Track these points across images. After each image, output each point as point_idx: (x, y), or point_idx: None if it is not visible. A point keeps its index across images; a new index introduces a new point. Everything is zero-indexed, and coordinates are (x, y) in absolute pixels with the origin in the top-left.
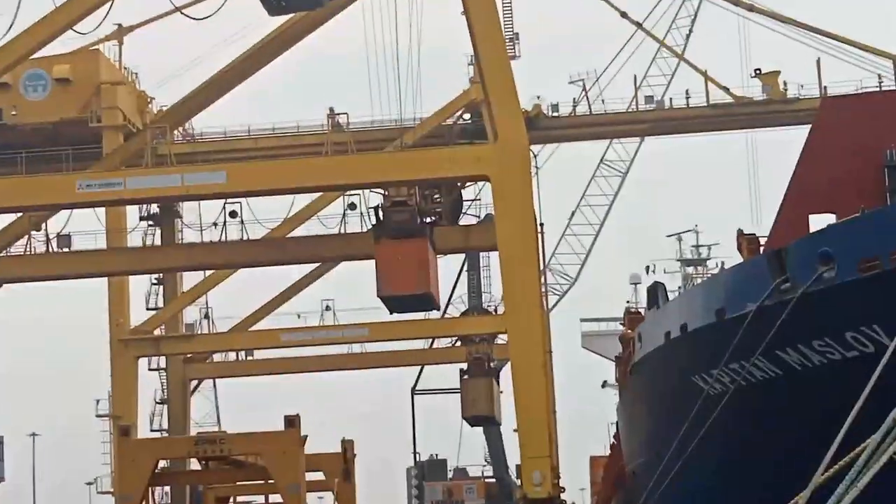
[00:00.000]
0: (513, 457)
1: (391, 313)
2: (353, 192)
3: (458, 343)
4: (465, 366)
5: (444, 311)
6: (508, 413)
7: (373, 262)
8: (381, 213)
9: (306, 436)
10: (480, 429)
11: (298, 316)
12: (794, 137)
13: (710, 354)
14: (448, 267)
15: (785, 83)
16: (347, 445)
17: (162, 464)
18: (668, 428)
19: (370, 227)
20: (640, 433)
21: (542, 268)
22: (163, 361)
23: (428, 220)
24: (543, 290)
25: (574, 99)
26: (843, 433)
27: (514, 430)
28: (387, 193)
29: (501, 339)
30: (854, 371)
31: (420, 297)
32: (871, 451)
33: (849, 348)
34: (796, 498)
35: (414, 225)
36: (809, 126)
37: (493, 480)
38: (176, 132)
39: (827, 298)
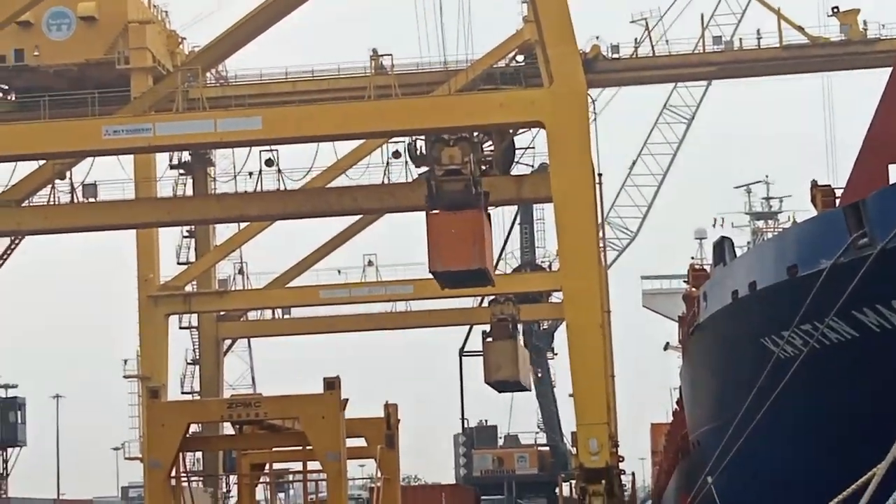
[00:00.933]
0: (568, 424)
1: (443, 289)
2: (397, 139)
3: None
4: (487, 327)
5: (496, 267)
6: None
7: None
8: (433, 183)
9: (347, 399)
10: (534, 394)
11: (339, 272)
12: (874, 81)
13: (781, 315)
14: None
15: (865, 22)
16: (391, 410)
17: (193, 428)
18: (735, 394)
19: (416, 176)
20: (704, 399)
21: (600, 221)
22: (194, 319)
23: (484, 190)
24: (601, 245)
25: (636, 39)
26: None
27: (570, 396)
28: (438, 161)
29: (556, 297)
30: None
31: (475, 273)
32: None
33: None
34: (874, 469)
35: (469, 196)
36: (890, 69)
37: (547, 449)
38: (208, 75)
39: None
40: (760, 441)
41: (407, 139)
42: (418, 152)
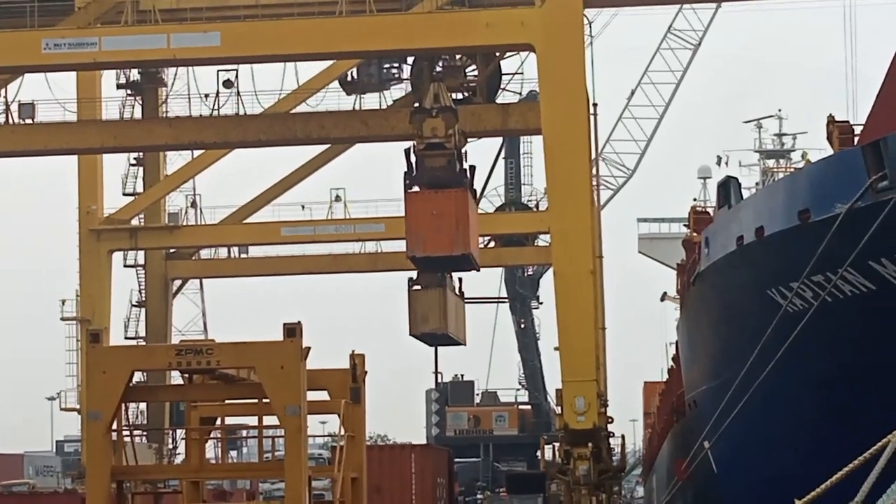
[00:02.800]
0: (552, 380)
1: (419, 274)
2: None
3: (492, 244)
4: (399, 275)
5: (480, 199)
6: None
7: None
8: (413, 158)
9: (309, 348)
10: (516, 346)
11: (303, 207)
12: None
13: (791, 264)
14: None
15: None
16: (357, 360)
17: (138, 377)
18: (737, 351)
19: (391, 102)
20: (703, 356)
21: (593, 157)
22: (141, 257)
23: (468, 165)
24: (595, 183)
25: None
26: None
27: (555, 349)
28: (420, 134)
29: (543, 239)
30: None
31: (458, 259)
32: None
33: None
34: (889, 436)
35: (452, 173)
36: None
37: (529, 407)
38: None
39: None
40: (764, 403)
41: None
42: (349, 78)
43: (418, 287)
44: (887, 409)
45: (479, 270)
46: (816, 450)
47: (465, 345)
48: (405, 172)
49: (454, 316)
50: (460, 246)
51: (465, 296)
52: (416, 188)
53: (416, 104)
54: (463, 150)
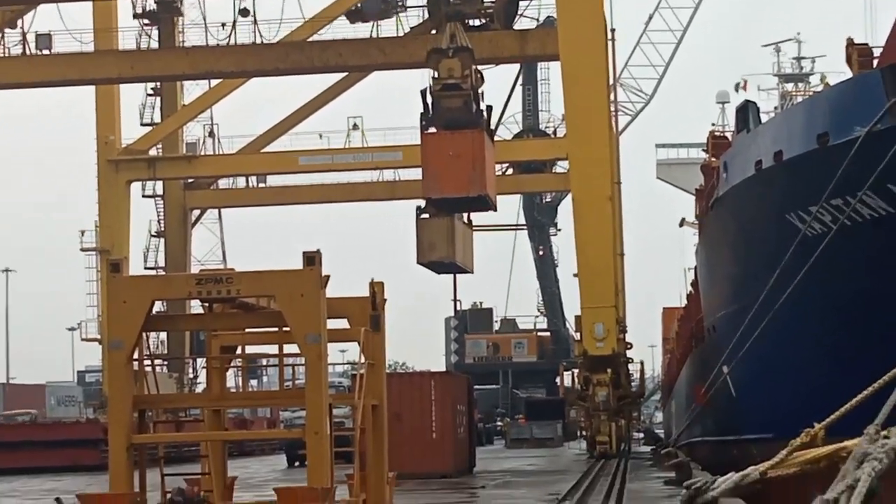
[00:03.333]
0: (571, 307)
1: (439, 216)
2: None
3: (510, 170)
4: (416, 203)
5: (495, 132)
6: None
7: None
8: (428, 99)
9: (328, 276)
10: (534, 274)
11: (320, 136)
12: None
13: (810, 188)
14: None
15: None
16: (377, 289)
17: (158, 306)
18: (756, 275)
19: (409, 29)
20: (722, 281)
21: (611, 82)
22: (159, 187)
23: (484, 105)
24: (612, 108)
25: None
26: None
27: (574, 276)
28: (436, 75)
29: (561, 166)
30: None
31: (474, 200)
32: None
33: None
34: None
35: (468, 113)
36: None
37: (547, 334)
38: None
39: None
40: (782, 327)
41: None
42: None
43: (426, 216)
44: None
45: (495, 210)
46: (835, 374)
47: (472, 272)
48: (421, 113)
49: (462, 244)
50: (476, 187)
51: (483, 224)
52: (432, 129)
53: (432, 48)
54: (480, 91)
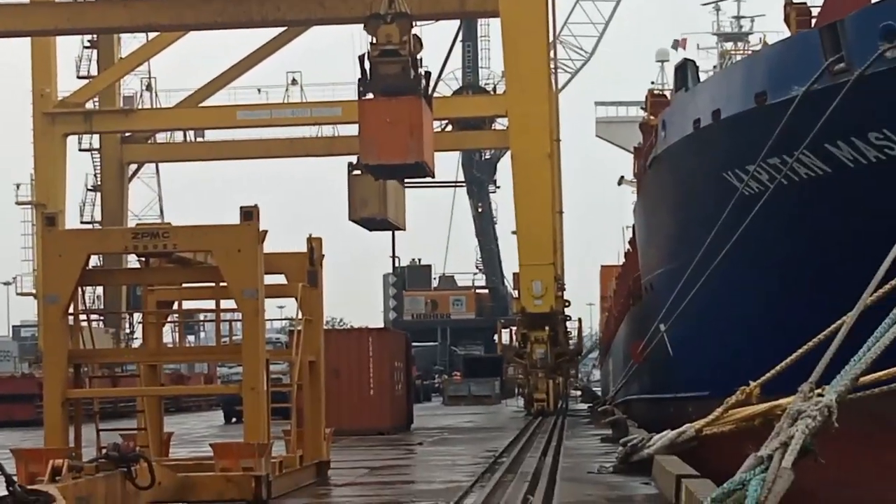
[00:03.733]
0: (510, 264)
1: (376, 180)
2: None
3: (450, 127)
4: (354, 159)
5: (434, 89)
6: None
7: (350, 27)
8: (366, 65)
9: (266, 231)
10: (473, 231)
11: (259, 91)
12: None
13: (747, 146)
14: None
15: None
16: (315, 244)
17: (94, 261)
18: (693, 233)
19: None
20: (660, 239)
21: (551, 40)
22: (96, 140)
23: (423, 71)
24: (553, 66)
25: None
26: None
27: (513, 233)
28: (374, 41)
29: (500, 123)
30: None
31: (412, 167)
32: None
33: None
34: (842, 318)
35: (406, 80)
36: None
37: (486, 291)
38: None
39: (889, 82)
40: (719, 285)
41: None
42: None
43: (357, 172)
44: (840, 292)
45: (433, 177)
46: (770, 333)
47: (404, 229)
48: (359, 79)
49: (394, 201)
50: (414, 154)
51: (422, 182)
52: (369, 95)
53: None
54: (418, 57)
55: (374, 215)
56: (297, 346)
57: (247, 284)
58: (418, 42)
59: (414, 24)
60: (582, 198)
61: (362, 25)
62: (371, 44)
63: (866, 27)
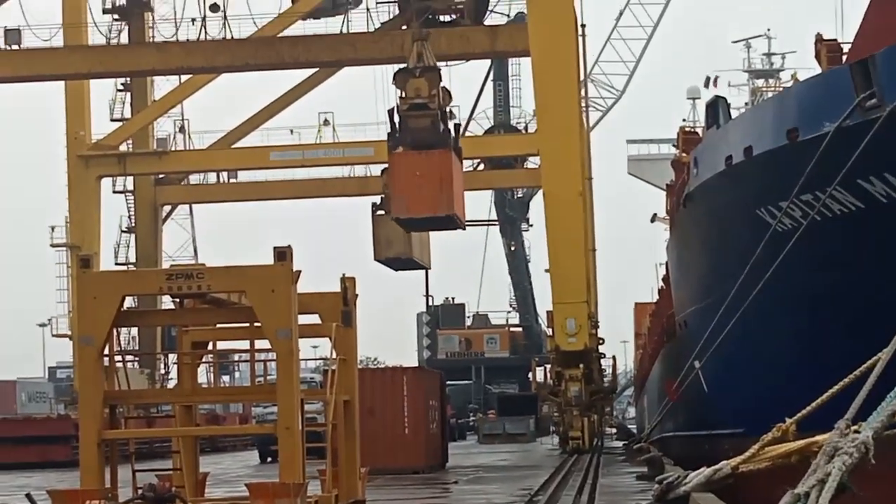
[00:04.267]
0: (543, 302)
1: (407, 232)
2: None
3: (482, 166)
4: (378, 199)
5: (466, 129)
6: (445, 253)
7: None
8: (396, 118)
9: (300, 271)
10: (506, 269)
11: (291, 131)
12: None
13: (780, 183)
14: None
15: None
16: (348, 284)
17: (129, 302)
18: (727, 270)
19: (378, 25)
20: (693, 276)
21: (582, 78)
22: (130, 183)
23: (452, 124)
24: (584, 104)
25: None
26: None
27: (546, 271)
28: (403, 94)
29: (532, 162)
30: None
31: (442, 220)
32: None
33: None
34: (879, 354)
35: (436, 133)
36: None
37: (520, 329)
38: None
39: None
40: (753, 322)
41: None
42: None
43: (382, 212)
44: (875, 328)
45: (464, 229)
46: (805, 369)
47: (429, 268)
48: (389, 133)
49: (418, 240)
50: (444, 207)
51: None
52: (400, 149)
53: (400, 66)
54: (447, 109)
55: (399, 255)
56: (331, 386)
57: (281, 324)
58: (447, 95)
59: (441, 75)
60: (615, 235)
61: (391, 79)
62: (400, 97)
63: None
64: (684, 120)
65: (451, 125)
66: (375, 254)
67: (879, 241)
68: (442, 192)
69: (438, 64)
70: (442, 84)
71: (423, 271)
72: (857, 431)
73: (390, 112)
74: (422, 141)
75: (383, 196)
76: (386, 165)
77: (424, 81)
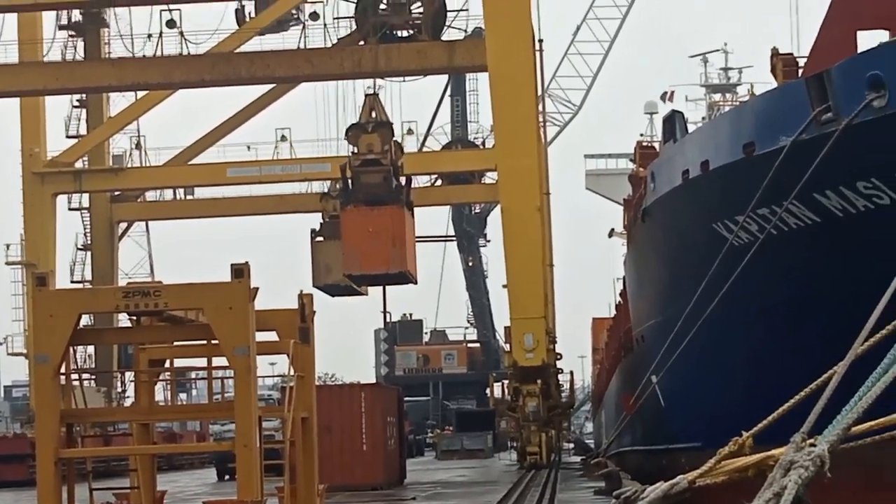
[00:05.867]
0: (501, 318)
1: (322, 225)
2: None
3: (439, 182)
4: (317, 226)
5: (423, 144)
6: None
7: (338, 83)
8: (348, 174)
9: (257, 288)
10: (464, 285)
11: (248, 148)
12: None
13: (736, 197)
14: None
15: None
16: (306, 300)
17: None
18: (683, 285)
19: (336, 40)
20: (650, 291)
21: (540, 93)
22: (85, 200)
23: (403, 179)
24: (541, 119)
25: None
26: (890, 292)
27: (504, 287)
28: (355, 150)
29: (489, 177)
30: None
31: (395, 276)
32: None
33: None
34: (833, 369)
35: (388, 189)
36: None
37: (477, 345)
38: None
39: (876, 131)
40: (710, 336)
41: None
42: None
43: (321, 238)
44: (831, 341)
45: (416, 283)
46: (761, 382)
47: (367, 295)
48: (341, 189)
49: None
50: (396, 264)
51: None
52: (351, 205)
53: (352, 123)
54: (399, 164)
55: (338, 282)
56: (289, 403)
57: (238, 342)
58: (399, 149)
59: (394, 130)
60: (572, 251)
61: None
62: (352, 153)
63: (853, 77)
64: (641, 135)
65: (402, 180)
66: (314, 279)
67: (835, 256)
68: (394, 248)
69: (394, 80)
70: (394, 138)
71: (381, 287)
72: (812, 445)
73: (342, 168)
74: (374, 197)
75: (322, 222)
76: (326, 190)
77: (377, 137)
